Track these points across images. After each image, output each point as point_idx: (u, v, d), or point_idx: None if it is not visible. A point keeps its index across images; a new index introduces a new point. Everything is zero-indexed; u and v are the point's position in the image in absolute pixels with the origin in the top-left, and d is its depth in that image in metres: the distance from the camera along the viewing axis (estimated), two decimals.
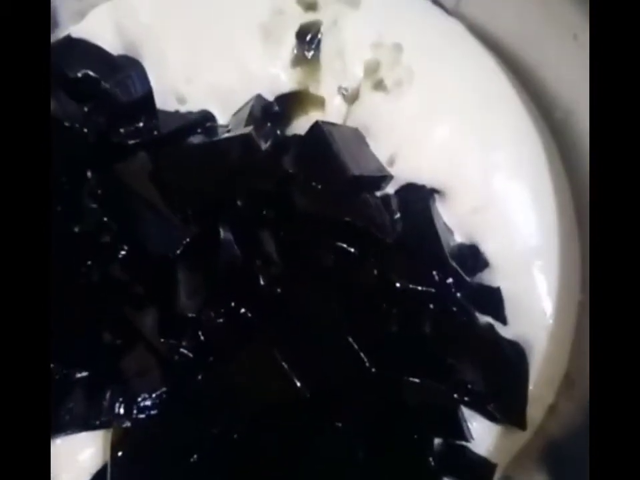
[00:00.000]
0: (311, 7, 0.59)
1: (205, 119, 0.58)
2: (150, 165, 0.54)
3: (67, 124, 0.55)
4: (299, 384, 0.48)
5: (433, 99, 0.57)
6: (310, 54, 0.58)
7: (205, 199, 0.52)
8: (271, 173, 0.52)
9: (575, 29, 0.52)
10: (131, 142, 0.55)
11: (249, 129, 0.52)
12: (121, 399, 0.51)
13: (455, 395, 0.53)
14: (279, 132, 0.58)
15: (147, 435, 0.51)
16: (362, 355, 0.50)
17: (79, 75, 0.56)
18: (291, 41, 0.58)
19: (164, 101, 0.58)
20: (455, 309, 0.56)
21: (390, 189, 0.58)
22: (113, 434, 0.51)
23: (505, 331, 0.57)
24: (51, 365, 0.52)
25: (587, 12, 0.50)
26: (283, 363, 0.49)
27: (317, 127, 0.53)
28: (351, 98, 0.59)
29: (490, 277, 0.57)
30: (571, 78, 0.56)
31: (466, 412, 0.55)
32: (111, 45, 0.60)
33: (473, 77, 0.59)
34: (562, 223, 0.58)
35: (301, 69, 0.58)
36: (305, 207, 0.52)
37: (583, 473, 0.47)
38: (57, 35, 0.60)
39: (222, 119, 0.59)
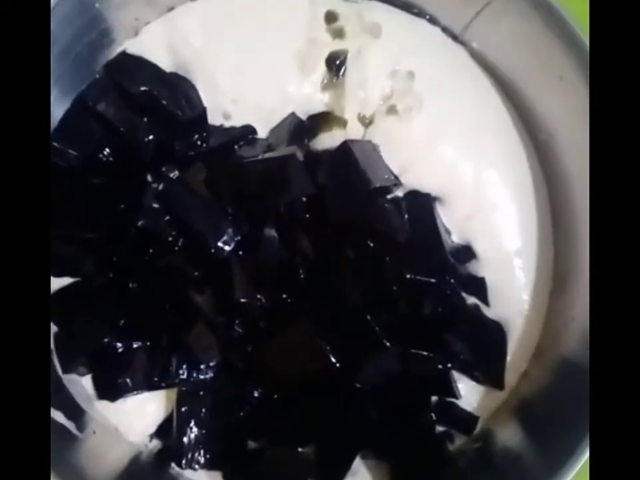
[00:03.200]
0: (338, 34, 0.67)
1: (247, 132, 0.65)
2: (204, 173, 0.61)
3: (124, 131, 0.63)
4: (333, 359, 0.57)
5: (438, 123, 0.65)
6: (337, 80, 0.65)
7: (252, 205, 0.60)
8: (307, 185, 0.59)
9: (561, 72, 0.60)
10: (189, 153, 0.62)
11: (293, 148, 0.60)
12: (184, 366, 0.60)
13: (449, 364, 0.63)
14: (306, 141, 0.65)
15: (205, 394, 0.61)
16: (378, 331, 0.59)
17: (140, 90, 0.63)
18: (321, 68, 0.66)
19: (211, 116, 0.65)
20: (449, 292, 0.63)
21: (399, 193, 0.65)
22: (177, 395, 0.61)
23: (488, 312, 0.65)
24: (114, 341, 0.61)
25: (573, 57, 0.58)
26: (316, 335, 0.57)
27: (345, 146, 0.60)
28: (368, 122, 0.66)
29: (477, 268, 0.65)
30: (554, 108, 0.64)
31: (455, 375, 0.64)
32: (163, 62, 0.66)
33: (472, 101, 0.67)
34: (540, 228, 0.67)
35: (329, 94, 0.66)
36: (334, 213, 0.60)
37: (547, 426, 0.60)
38: (113, 50, 0.67)
39: (261, 132, 0.66)
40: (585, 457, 0.54)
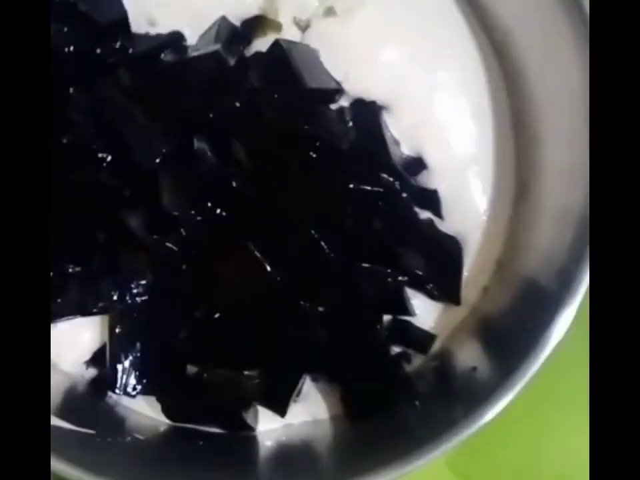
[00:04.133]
0: None
1: (175, 39, 0.61)
2: (128, 81, 0.57)
3: None
4: (269, 268, 0.55)
5: (382, 23, 0.61)
6: None
7: (180, 113, 0.56)
8: (238, 87, 0.56)
9: None
10: (110, 60, 0.59)
11: (217, 46, 0.56)
12: (116, 288, 0.57)
13: (400, 277, 0.61)
14: (241, 48, 0.61)
15: (140, 316, 0.58)
16: (322, 244, 0.56)
17: None
18: None
19: (135, 23, 0.61)
20: (400, 206, 0.61)
21: (344, 102, 0.62)
22: (110, 317, 0.58)
23: (443, 226, 0.63)
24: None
25: None
26: (256, 252, 0.55)
27: (276, 45, 0.57)
28: (304, 26, 0.62)
29: (430, 180, 0.62)
30: (509, 2, 0.60)
31: (409, 292, 0.62)
32: None
33: None
34: (499, 132, 0.63)
35: None
36: (270, 117, 0.57)
37: (509, 344, 0.57)
38: None
39: (191, 39, 0.62)
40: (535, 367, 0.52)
